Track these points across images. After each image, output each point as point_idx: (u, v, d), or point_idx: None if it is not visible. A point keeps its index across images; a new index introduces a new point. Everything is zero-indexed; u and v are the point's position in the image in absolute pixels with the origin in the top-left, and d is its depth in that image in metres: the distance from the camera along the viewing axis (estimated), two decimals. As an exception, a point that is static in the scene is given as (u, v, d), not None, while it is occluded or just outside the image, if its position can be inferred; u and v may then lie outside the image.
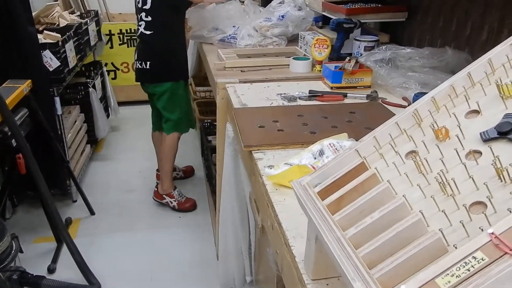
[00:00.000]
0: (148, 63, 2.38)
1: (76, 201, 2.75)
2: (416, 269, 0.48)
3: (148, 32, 2.34)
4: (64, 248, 2.17)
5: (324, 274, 0.73)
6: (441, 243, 0.49)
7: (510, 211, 0.46)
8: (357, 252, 0.52)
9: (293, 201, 0.97)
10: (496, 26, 1.57)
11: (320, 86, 1.75)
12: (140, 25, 2.35)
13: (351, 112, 1.44)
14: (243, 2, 2.60)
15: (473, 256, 0.43)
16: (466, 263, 0.43)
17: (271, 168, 1.08)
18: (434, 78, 1.62)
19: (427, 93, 1.57)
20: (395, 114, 1.43)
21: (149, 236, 2.49)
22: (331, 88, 1.70)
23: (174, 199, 2.68)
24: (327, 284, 0.73)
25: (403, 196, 0.55)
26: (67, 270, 2.15)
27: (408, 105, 1.54)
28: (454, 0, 1.79)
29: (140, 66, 2.42)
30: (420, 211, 0.52)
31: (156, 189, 2.72)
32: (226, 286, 2.06)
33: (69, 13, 3.27)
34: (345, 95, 1.61)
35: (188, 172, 3.07)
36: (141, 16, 2.34)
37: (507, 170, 0.50)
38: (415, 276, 0.46)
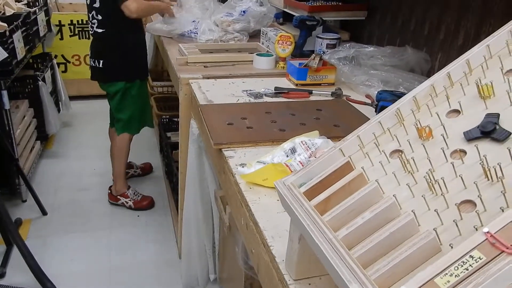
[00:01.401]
0: (101, 61, 2.28)
1: (26, 200, 2.60)
2: (412, 268, 0.49)
3: (100, 30, 2.24)
4: (14, 251, 2.05)
5: (306, 273, 0.72)
6: (435, 242, 0.49)
7: (502, 210, 0.47)
8: (351, 253, 0.52)
9: (268, 200, 0.97)
10: (453, 26, 1.63)
11: (285, 82, 1.75)
12: (94, 24, 2.25)
13: (318, 109, 1.45)
14: None
15: (470, 255, 0.44)
16: (463, 262, 0.44)
17: (243, 167, 1.06)
18: (395, 76, 1.66)
19: (390, 90, 1.61)
20: (360, 111, 1.47)
21: (106, 236, 2.40)
22: (296, 85, 1.70)
23: (129, 199, 2.60)
24: (309, 284, 0.72)
25: (393, 195, 0.55)
26: (18, 274, 2.03)
27: (372, 102, 1.57)
28: (412, 1, 1.84)
29: (93, 64, 2.33)
30: (412, 211, 0.52)
31: (109, 191, 2.63)
32: (189, 285, 2.03)
33: (16, 1, 3.07)
34: (310, 92, 1.62)
35: (146, 169, 2.99)
36: (92, 14, 2.24)
37: (494, 169, 0.51)
38: (413, 276, 0.45)
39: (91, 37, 2.34)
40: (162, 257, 2.26)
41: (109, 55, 2.29)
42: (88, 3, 2.24)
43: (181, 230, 1.97)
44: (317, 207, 0.61)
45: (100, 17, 2.22)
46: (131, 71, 2.34)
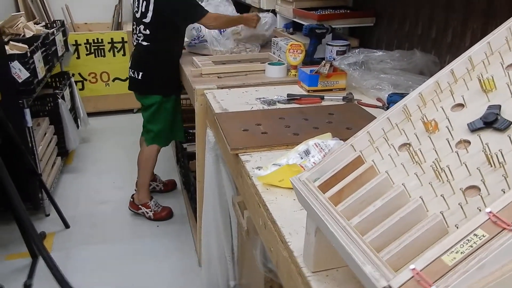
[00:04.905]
0: (140, 73, 2.33)
1: (49, 215, 2.68)
2: (421, 249, 0.52)
3: (145, 43, 2.29)
4: (40, 264, 2.11)
5: (323, 266, 0.75)
6: (442, 225, 0.52)
7: (504, 192, 0.51)
8: (364, 238, 0.55)
9: (285, 199, 1.01)
10: (459, 28, 1.66)
11: (297, 89, 1.80)
12: (140, 37, 2.30)
13: (330, 114, 1.48)
14: None
15: (474, 234, 0.47)
16: (468, 240, 0.47)
17: (260, 170, 1.11)
18: (404, 79, 1.70)
19: (400, 93, 1.64)
20: (371, 114, 1.50)
21: (127, 247, 2.45)
22: (308, 91, 1.74)
23: (150, 210, 2.65)
24: (327, 275, 0.75)
25: (402, 184, 0.59)
26: (44, 286, 2.09)
27: (383, 105, 1.61)
28: (418, 6, 1.88)
29: (132, 75, 2.38)
30: (420, 197, 0.56)
31: (132, 199, 2.69)
32: (210, 292, 2.06)
33: (34, 24, 3.20)
34: (322, 98, 1.66)
35: (169, 186, 3.00)
36: (139, 28, 2.28)
37: (496, 155, 0.55)
38: (422, 255, 0.49)
39: (134, 48, 2.39)
40: (182, 266, 2.31)
41: (149, 68, 2.33)
42: (138, 16, 2.27)
43: (200, 238, 2.01)
44: (331, 199, 0.65)
45: (148, 32, 2.26)
46: (168, 86, 2.38)
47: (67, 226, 2.59)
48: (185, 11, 2.18)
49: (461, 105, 0.68)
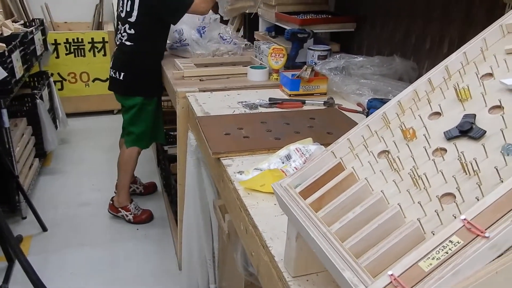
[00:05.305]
0: (122, 74, 2.30)
1: (26, 217, 2.62)
2: (399, 255, 0.53)
3: (128, 43, 2.25)
4: (16, 268, 2.07)
5: (304, 270, 0.76)
6: (419, 231, 0.54)
7: (478, 199, 0.52)
8: (344, 244, 0.56)
9: (266, 204, 1.01)
10: (438, 35, 1.70)
11: (278, 93, 1.81)
12: (123, 36, 2.25)
13: (311, 118, 1.50)
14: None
15: (449, 240, 0.49)
16: (444, 246, 0.49)
17: (241, 174, 1.11)
18: (384, 85, 1.73)
19: (380, 98, 1.67)
20: (351, 119, 1.52)
21: (107, 250, 2.42)
22: (290, 95, 1.76)
23: (130, 212, 2.62)
24: (307, 280, 0.76)
25: (381, 191, 0.60)
26: (20, 290, 2.05)
27: (363, 110, 1.63)
28: (398, 12, 1.92)
29: (113, 75, 2.34)
30: (398, 204, 0.57)
31: (111, 202, 2.66)
32: (190, 296, 2.05)
33: (12, 22, 3.13)
34: (303, 102, 1.68)
35: (149, 189, 2.97)
36: (124, 27, 2.24)
37: (471, 164, 0.57)
38: (399, 261, 0.50)
39: (116, 48, 2.34)
40: (162, 269, 2.29)
41: (132, 69, 2.29)
42: (123, 15, 2.23)
43: (180, 241, 2.00)
44: (312, 205, 0.66)
45: (133, 31, 2.22)
46: (151, 88, 2.35)
47: (44, 229, 2.54)
48: (172, 2, 2.15)
49: (438, 114, 0.69)
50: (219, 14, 2.50)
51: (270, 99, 1.68)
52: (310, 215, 0.63)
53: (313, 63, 1.99)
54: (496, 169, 0.53)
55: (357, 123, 1.49)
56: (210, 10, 2.35)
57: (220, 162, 1.23)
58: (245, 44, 2.55)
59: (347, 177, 0.66)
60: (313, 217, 0.62)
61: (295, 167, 1.08)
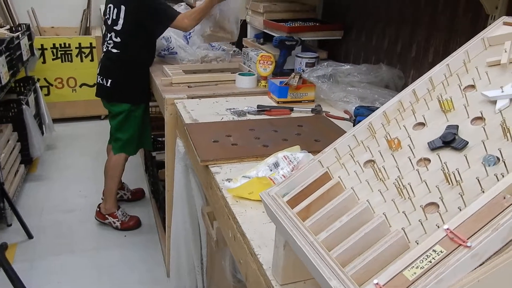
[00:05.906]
0: (109, 80, 2.29)
1: (11, 225, 2.59)
2: (384, 264, 0.54)
3: (115, 51, 2.25)
4: (1, 276, 2.04)
5: (291, 278, 0.77)
6: (404, 240, 0.55)
7: (460, 209, 0.54)
8: (330, 253, 0.57)
9: (254, 212, 1.02)
10: (423, 44, 1.73)
11: (267, 100, 1.82)
12: (110, 44, 2.25)
13: (299, 125, 1.51)
14: None
15: (433, 250, 0.50)
16: (427, 255, 0.50)
17: (229, 182, 1.12)
18: (371, 93, 1.75)
19: (366, 106, 1.69)
20: (339, 126, 1.54)
21: (93, 257, 2.40)
22: (278, 102, 1.77)
23: (117, 219, 2.60)
24: (295, 288, 0.77)
25: (366, 201, 0.61)
26: (5, 299, 2.02)
27: (350, 118, 1.65)
28: (385, 21, 1.95)
29: (100, 82, 2.33)
30: (383, 214, 0.58)
31: (98, 208, 2.64)
32: (178, 303, 2.04)
33: (-2, 27, 3.11)
34: (291, 109, 1.69)
35: (137, 195, 2.95)
36: (110, 35, 2.24)
37: (453, 174, 0.58)
38: (384, 270, 0.51)
39: (103, 54, 2.34)
40: (150, 276, 2.28)
41: (118, 76, 2.29)
42: (110, 23, 2.24)
43: (169, 248, 2.00)
44: (299, 214, 0.66)
45: (118, 40, 2.22)
46: (138, 94, 2.35)
47: (30, 236, 2.51)
48: (157, 14, 2.16)
49: (422, 124, 0.71)
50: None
51: (258, 106, 1.69)
52: (297, 224, 0.64)
53: (301, 71, 2.01)
54: (478, 180, 0.55)
55: (344, 131, 1.52)
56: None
57: (208, 169, 1.23)
58: (234, 51, 2.57)
59: (333, 186, 0.68)
60: (301, 226, 0.63)
61: (283, 175, 1.09)
